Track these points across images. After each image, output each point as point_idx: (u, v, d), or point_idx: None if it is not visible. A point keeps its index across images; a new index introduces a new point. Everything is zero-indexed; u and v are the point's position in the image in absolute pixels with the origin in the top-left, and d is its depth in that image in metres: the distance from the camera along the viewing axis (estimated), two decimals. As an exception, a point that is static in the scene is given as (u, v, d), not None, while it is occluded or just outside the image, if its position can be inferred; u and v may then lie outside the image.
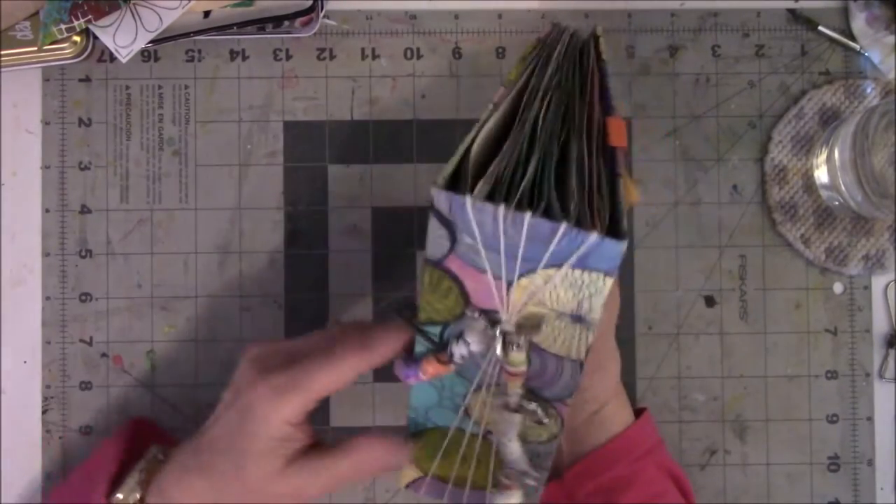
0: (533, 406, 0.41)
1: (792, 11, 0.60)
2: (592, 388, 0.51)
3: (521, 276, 0.36)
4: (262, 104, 0.59)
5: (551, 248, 0.35)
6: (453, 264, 0.37)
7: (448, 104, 0.59)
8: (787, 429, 0.59)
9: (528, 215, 0.34)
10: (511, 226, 0.34)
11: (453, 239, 0.36)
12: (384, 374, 0.58)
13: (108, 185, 0.58)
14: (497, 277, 0.37)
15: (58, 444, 0.58)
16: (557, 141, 0.39)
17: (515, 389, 0.40)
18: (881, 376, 0.59)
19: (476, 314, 0.39)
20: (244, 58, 0.59)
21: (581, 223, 0.35)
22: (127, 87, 0.59)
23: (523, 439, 0.44)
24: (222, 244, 0.59)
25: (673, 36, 0.60)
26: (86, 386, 0.58)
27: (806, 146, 0.59)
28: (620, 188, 0.38)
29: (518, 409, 0.41)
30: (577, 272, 0.36)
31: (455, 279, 0.38)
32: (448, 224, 0.36)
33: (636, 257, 0.59)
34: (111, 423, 0.57)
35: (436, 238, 0.37)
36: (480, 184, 0.36)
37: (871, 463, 0.59)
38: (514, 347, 0.38)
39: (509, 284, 0.37)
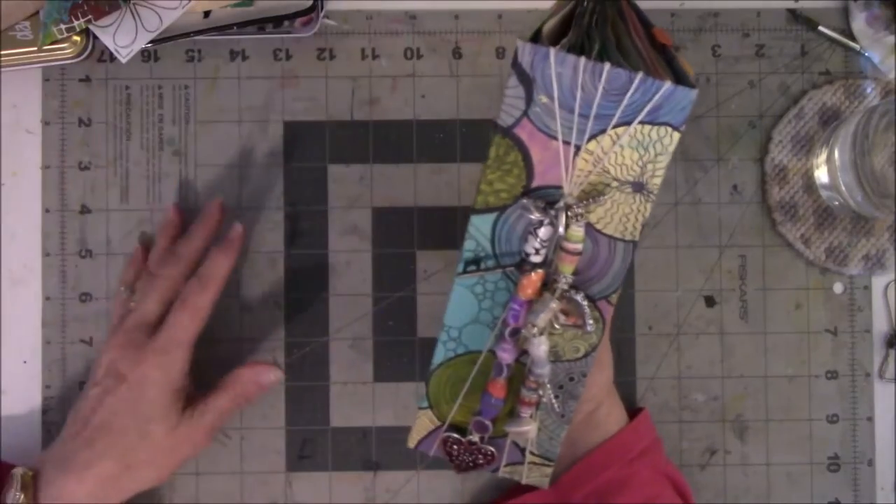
0: (580, 296, 0.42)
1: (792, 11, 0.60)
2: (590, 387, 0.51)
3: (590, 138, 0.39)
4: (262, 104, 0.59)
5: (626, 99, 0.38)
6: (524, 131, 0.40)
7: (448, 104, 0.59)
8: (787, 429, 0.59)
9: (607, 65, 0.37)
10: (589, 77, 0.38)
11: (529, 99, 0.39)
12: (384, 374, 0.58)
13: (108, 185, 0.58)
14: (566, 142, 0.39)
15: (58, 444, 0.57)
16: (613, 37, 0.42)
17: (567, 274, 0.41)
18: (881, 376, 0.59)
19: (531, 201, 0.41)
20: (244, 58, 0.59)
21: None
22: (127, 87, 0.59)
23: (557, 358, 0.45)
24: (222, 244, 0.58)
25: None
26: (86, 386, 0.58)
27: (806, 146, 0.59)
28: (678, 65, 0.41)
29: (563, 297, 0.42)
30: (647, 128, 0.39)
31: (522, 149, 0.40)
32: (526, 80, 0.38)
33: (636, 257, 0.59)
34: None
35: (511, 100, 0.39)
36: (557, 48, 0.38)
37: (871, 463, 0.59)
38: (576, 220, 0.40)
39: (577, 150, 0.39)
